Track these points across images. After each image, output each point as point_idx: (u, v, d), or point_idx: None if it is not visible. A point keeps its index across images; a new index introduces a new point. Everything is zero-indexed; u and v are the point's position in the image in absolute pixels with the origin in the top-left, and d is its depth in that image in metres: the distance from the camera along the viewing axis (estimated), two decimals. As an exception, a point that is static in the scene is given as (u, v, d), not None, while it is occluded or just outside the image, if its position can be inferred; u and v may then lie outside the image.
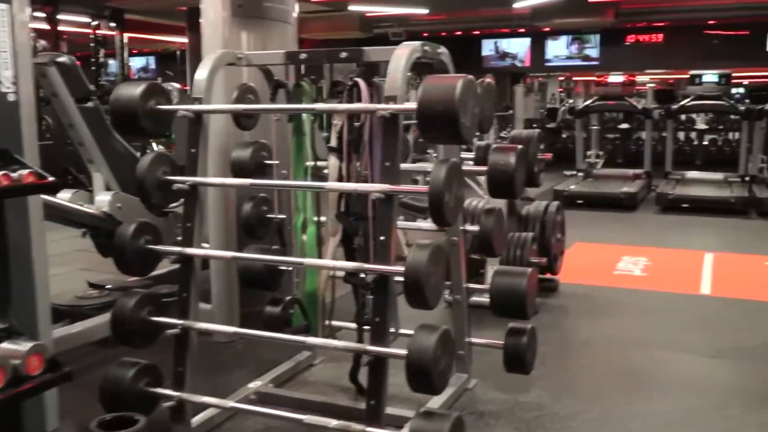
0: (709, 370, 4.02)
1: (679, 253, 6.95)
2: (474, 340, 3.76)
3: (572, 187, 10.37)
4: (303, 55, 3.50)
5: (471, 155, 5.12)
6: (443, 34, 17.62)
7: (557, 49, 16.98)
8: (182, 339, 3.10)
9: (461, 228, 3.59)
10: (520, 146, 3.39)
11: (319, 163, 3.63)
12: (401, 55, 2.86)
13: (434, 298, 2.69)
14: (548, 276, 5.49)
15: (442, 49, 3.30)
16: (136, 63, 19.79)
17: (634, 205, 9.60)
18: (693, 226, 8.40)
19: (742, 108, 10.53)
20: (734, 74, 11.67)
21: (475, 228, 3.55)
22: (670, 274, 6.13)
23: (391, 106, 2.79)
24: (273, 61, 3.55)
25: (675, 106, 10.91)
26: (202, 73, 3.15)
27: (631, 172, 11.30)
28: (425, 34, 17.62)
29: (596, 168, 12.41)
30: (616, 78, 11.15)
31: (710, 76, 10.62)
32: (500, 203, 4.57)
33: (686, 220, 8.80)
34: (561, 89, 21.14)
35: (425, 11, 13.74)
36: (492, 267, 5.03)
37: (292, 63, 3.58)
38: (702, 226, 8.43)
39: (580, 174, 11.42)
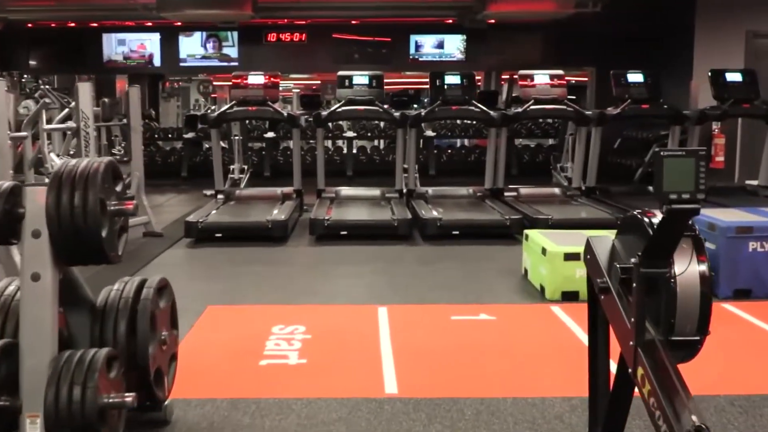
0: None
1: (346, 312, 5.20)
2: None
3: (210, 215, 8.26)
4: None
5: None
6: (53, 24, 14.47)
7: (192, 47, 14.82)
8: None
9: None
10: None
11: None
12: None
13: None
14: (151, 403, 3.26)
15: None
16: None
17: (284, 235, 7.79)
18: (357, 263, 6.80)
19: (396, 114, 9.33)
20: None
21: None
22: (339, 356, 4.28)
23: None
24: None
25: (324, 112, 9.37)
26: None
27: (279, 190, 9.55)
28: (30, 25, 14.32)
29: (240, 187, 10.50)
30: (256, 79, 9.29)
31: (361, 78, 9.26)
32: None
33: (347, 252, 7.20)
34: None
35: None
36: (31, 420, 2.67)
37: None
38: (367, 260, 6.87)
39: (221, 197, 9.38)
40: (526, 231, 6.13)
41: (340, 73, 9.40)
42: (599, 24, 12.98)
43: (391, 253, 7.16)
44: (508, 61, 15.03)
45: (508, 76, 18.89)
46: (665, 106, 9.42)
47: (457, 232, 7.74)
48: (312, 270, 6.52)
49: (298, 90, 22.10)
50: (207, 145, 15.11)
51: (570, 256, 5.37)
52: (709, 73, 9.58)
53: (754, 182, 11.82)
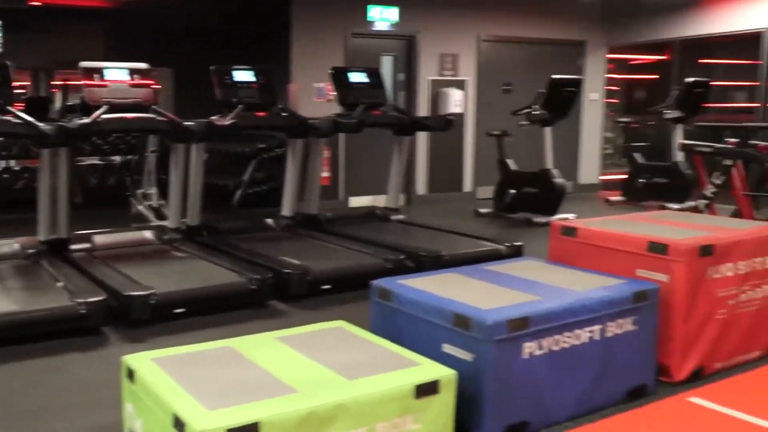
0: None
1: None
2: None
3: None
4: None
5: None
6: None
7: None
8: None
9: None
10: None
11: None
12: None
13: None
14: None
15: None
16: None
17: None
18: None
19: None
20: None
21: None
22: None
23: None
24: None
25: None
26: None
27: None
28: None
29: None
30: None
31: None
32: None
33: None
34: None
35: None
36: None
37: None
38: None
39: None
40: (130, 365, 3.10)
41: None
42: (177, 11, 10.39)
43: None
44: (63, 59, 11.41)
45: (61, 82, 15.03)
46: (284, 114, 7.14)
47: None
48: None
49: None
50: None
51: None
52: (331, 71, 7.58)
53: (354, 199, 10.37)
